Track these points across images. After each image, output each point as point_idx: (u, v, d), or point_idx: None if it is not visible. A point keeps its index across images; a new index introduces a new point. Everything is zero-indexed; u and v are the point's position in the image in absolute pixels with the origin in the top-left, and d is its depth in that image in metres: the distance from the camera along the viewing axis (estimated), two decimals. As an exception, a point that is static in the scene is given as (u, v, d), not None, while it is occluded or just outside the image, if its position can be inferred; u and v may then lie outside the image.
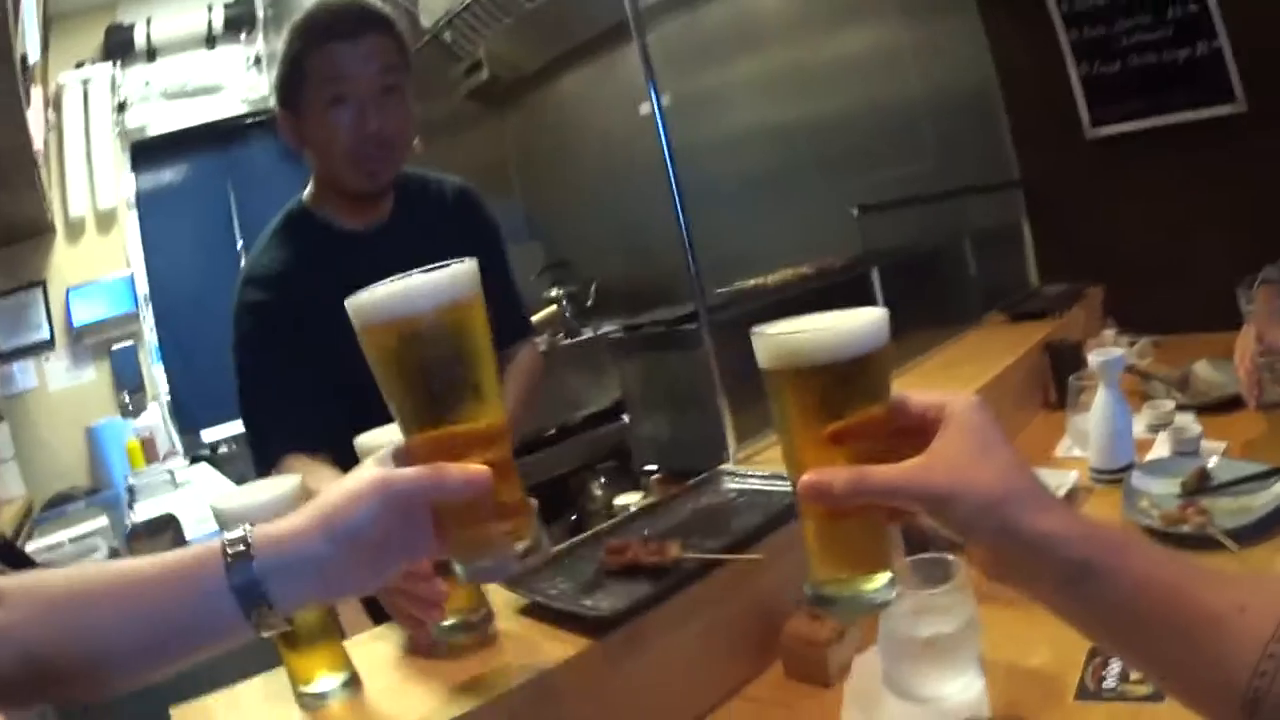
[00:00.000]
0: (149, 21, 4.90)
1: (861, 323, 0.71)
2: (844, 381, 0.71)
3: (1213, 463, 1.76)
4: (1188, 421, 2.02)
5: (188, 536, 3.35)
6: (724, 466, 1.88)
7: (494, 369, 0.78)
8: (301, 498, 1.04)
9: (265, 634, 0.73)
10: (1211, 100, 3.38)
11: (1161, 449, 1.98)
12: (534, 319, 2.69)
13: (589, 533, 1.59)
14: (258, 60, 4.95)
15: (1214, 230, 3.12)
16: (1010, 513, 0.66)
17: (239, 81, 5.00)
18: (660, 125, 2.33)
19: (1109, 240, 3.39)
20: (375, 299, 0.75)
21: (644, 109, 2.46)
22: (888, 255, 2.85)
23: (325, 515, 0.73)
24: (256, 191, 4.07)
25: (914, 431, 0.72)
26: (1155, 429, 2.11)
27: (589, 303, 3.79)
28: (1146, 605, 0.63)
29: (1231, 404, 2.16)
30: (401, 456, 0.78)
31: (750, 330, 0.74)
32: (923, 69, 3.37)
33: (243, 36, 4.95)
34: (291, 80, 1.67)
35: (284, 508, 0.91)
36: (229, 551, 0.71)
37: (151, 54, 4.92)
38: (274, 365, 1.68)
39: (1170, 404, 2.21)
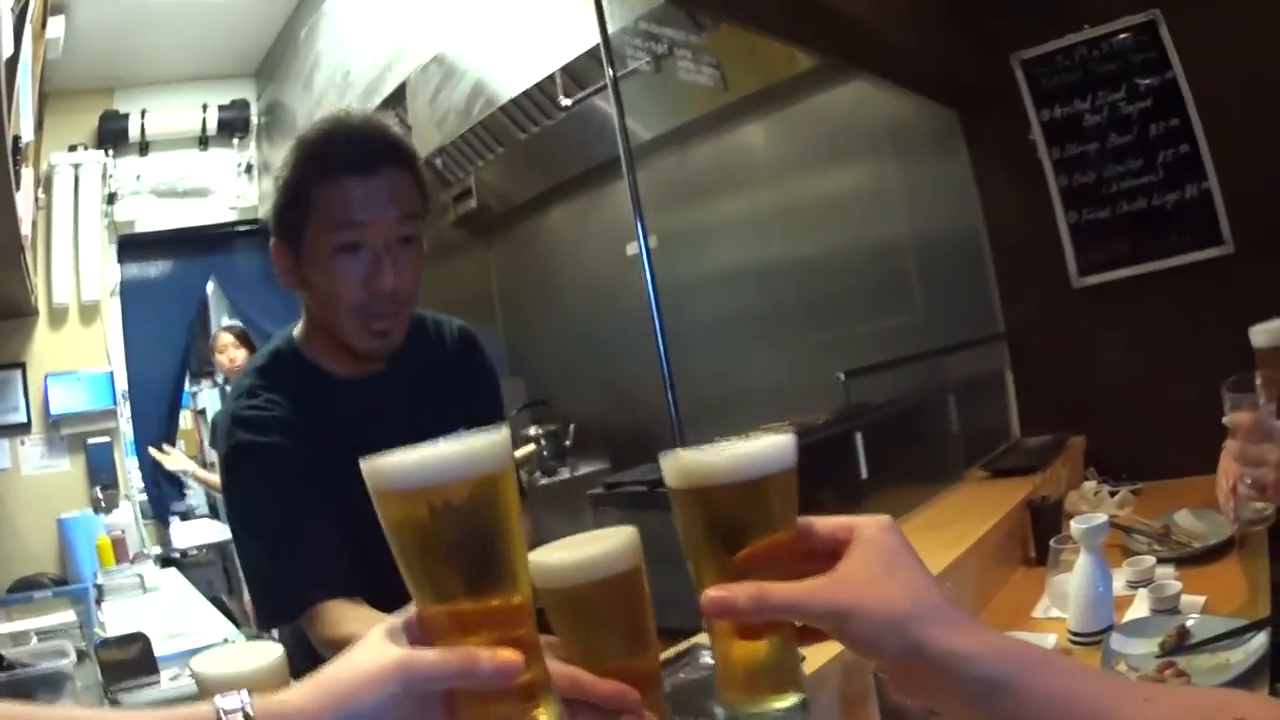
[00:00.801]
0: (144, 114, 4.91)
1: (765, 445, 0.71)
2: (748, 503, 0.70)
3: (1192, 620, 1.76)
4: (1168, 577, 2.03)
5: (156, 653, 3.24)
6: (700, 639, 1.83)
7: (522, 542, 0.71)
8: (285, 668, 0.97)
9: None
10: (1200, 243, 3.41)
11: (1141, 607, 1.98)
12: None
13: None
14: (249, 168, 4.96)
15: (1198, 374, 3.08)
16: (916, 629, 0.64)
17: (228, 187, 5.00)
18: (648, 271, 2.32)
19: (1092, 388, 3.39)
20: (404, 466, 0.68)
21: (631, 249, 2.45)
22: (871, 412, 2.83)
23: (334, 696, 0.65)
24: (241, 297, 4.13)
25: (824, 556, 0.70)
26: (1135, 585, 2.11)
27: (568, 442, 3.76)
28: None
29: (1212, 554, 2.20)
30: (415, 629, 0.70)
31: (659, 454, 0.73)
32: (911, 212, 3.39)
33: (235, 141, 4.96)
34: (293, 213, 1.43)
35: (270, 679, 0.84)
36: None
37: (144, 147, 4.94)
38: (286, 508, 1.47)
39: (1151, 560, 2.23)
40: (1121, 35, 3.48)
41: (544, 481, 3.49)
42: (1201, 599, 1.94)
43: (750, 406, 2.96)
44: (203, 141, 4.92)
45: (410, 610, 0.71)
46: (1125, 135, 3.49)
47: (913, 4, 3.20)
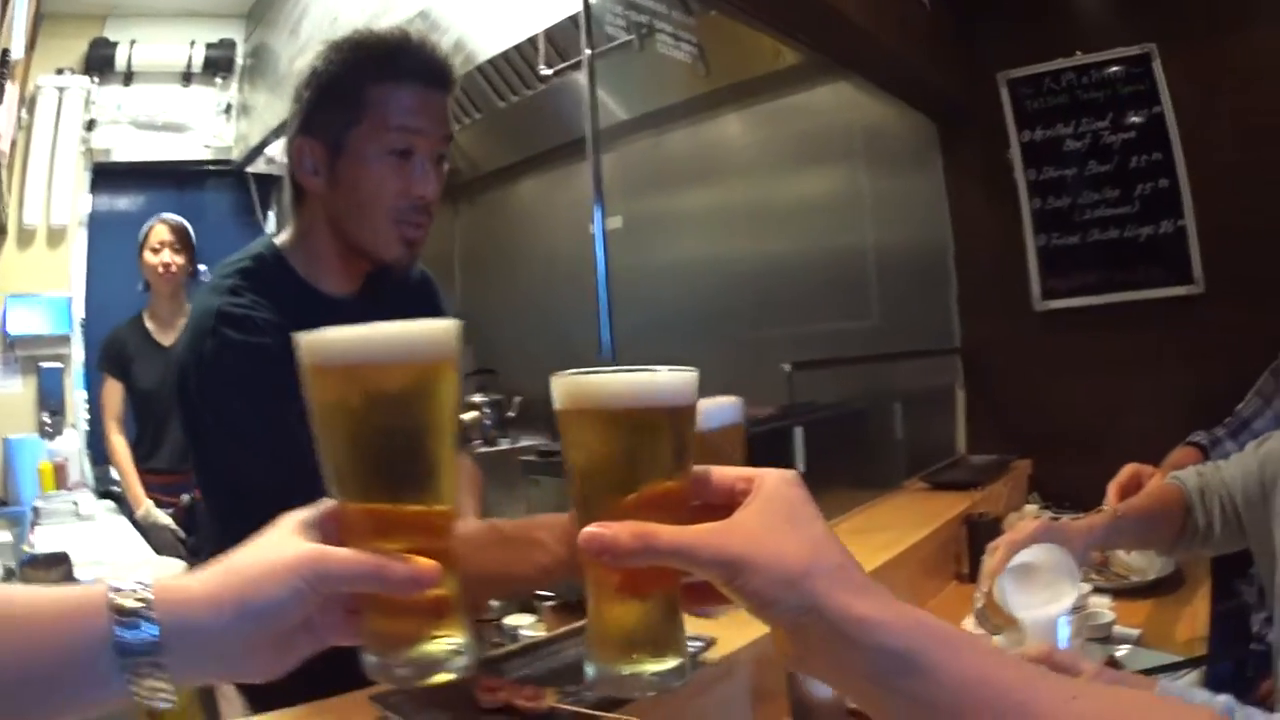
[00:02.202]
0: (133, 44, 4.85)
1: (665, 377, 0.65)
2: (642, 434, 0.64)
3: (1122, 651, 1.76)
4: (1102, 607, 2.00)
5: (80, 577, 3.22)
6: None
7: (455, 448, 0.68)
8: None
9: (143, 705, 0.61)
10: (1170, 280, 3.40)
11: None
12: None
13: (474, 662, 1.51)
14: (228, 108, 4.91)
15: (1152, 410, 3.12)
16: (815, 588, 0.58)
17: (206, 126, 4.94)
18: (601, 252, 2.31)
19: (1043, 413, 3.39)
20: (342, 340, 0.65)
21: (593, 228, 2.43)
22: (814, 411, 2.82)
23: (239, 587, 0.62)
24: (205, 241, 4.01)
25: (720, 509, 0.63)
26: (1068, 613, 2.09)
27: (511, 413, 3.73)
28: (975, 709, 0.55)
29: (1150, 589, 2.19)
30: (330, 525, 0.67)
31: (550, 377, 0.67)
32: (879, 222, 3.37)
33: (218, 81, 4.90)
34: (342, 110, 1.40)
35: None
36: (118, 604, 0.60)
37: (129, 78, 4.87)
38: (285, 417, 1.40)
39: (1087, 587, 2.20)
40: (1114, 66, 3.47)
41: (483, 450, 3.47)
42: (1136, 632, 1.93)
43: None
44: (186, 78, 4.86)
45: (327, 504, 0.68)
46: (1105, 164, 3.49)
47: (906, 10, 3.18)
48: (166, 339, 3.84)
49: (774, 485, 0.63)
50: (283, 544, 0.64)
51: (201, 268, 3.89)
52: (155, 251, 3.87)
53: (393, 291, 1.64)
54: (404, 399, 0.65)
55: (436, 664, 0.66)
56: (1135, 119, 3.44)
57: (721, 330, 3.28)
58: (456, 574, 0.67)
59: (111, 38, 4.90)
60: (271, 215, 5.06)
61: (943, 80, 3.41)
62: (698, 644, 1.52)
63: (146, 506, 3.77)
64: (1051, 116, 3.53)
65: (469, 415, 3.59)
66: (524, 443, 3.40)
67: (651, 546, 0.60)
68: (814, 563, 0.59)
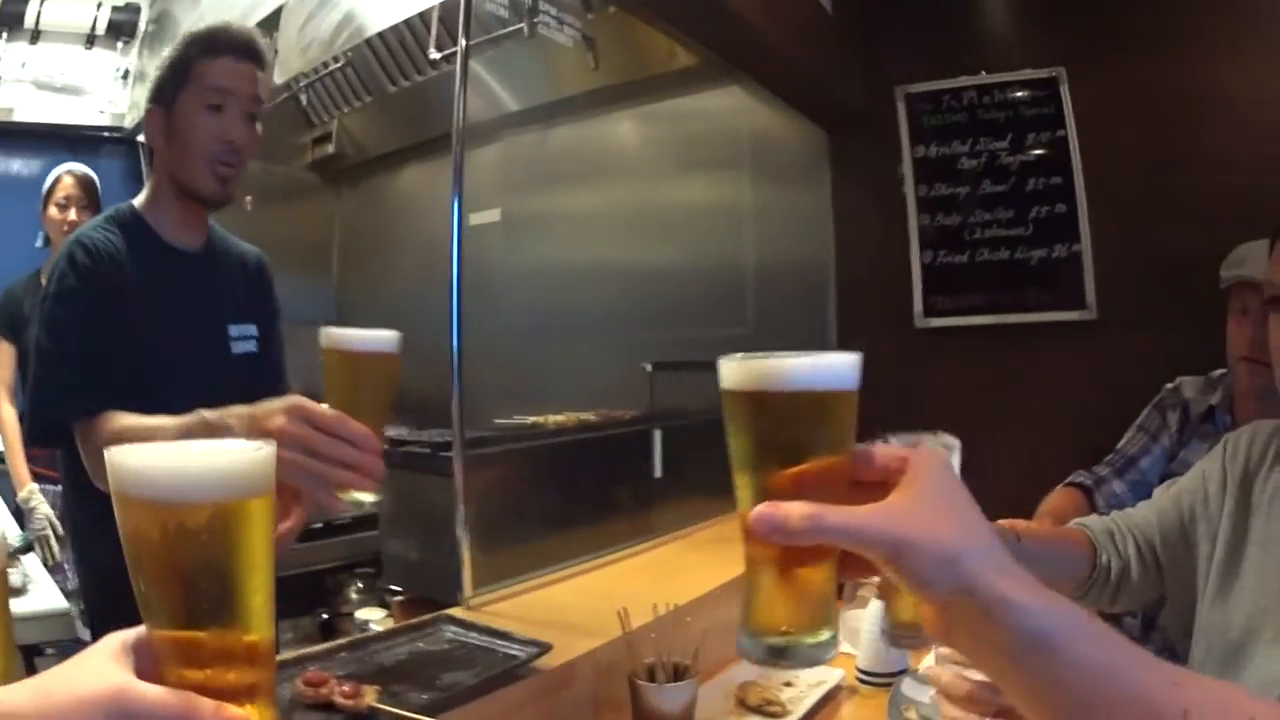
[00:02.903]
0: (42, 1, 4.73)
1: (837, 359, 0.68)
2: (812, 414, 0.67)
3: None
4: None
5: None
6: (452, 611, 1.80)
7: (270, 575, 0.65)
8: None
9: None
10: (1061, 304, 3.41)
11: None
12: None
13: (295, 654, 1.50)
14: (126, 74, 4.80)
15: (1035, 434, 3.12)
16: (969, 568, 0.63)
17: (103, 90, 4.83)
18: (456, 245, 2.28)
19: (920, 430, 3.37)
20: (142, 473, 0.61)
21: (475, 219, 2.38)
22: (674, 416, 2.79)
23: (43, 708, 0.61)
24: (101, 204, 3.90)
25: (873, 485, 0.68)
26: None
27: (380, 403, 3.66)
28: (1092, 690, 0.61)
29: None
30: (145, 652, 0.65)
31: (718, 359, 0.70)
32: (761, 230, 3.35)
33: (120, 45, 4.79)
34: (175, 79, 1.79)
35: None
36: None
37: (36, 35, 4.75)
38: (93, 325, 1.68)
39: None
40: (1020, 89, 3.47)
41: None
42: None
43: (561, 394, 2.90)
44: (89, 40, 4.75)
45: (140, 629, 0.66)
46: (1000, 185, 3.49)
47: (804, 13, 3.15)
48: None
49: (930, 467, 0.67)
50: (95, 670, 0.63)
51: None
52: (61, 208, 3.64)
53: (233, 263, 1.99)
54: (208, 536, 0.61)
55: None
56: (1037, 142, 3.44)
57: (593, 331, 3.24)
58: (272, 706, 0.66)
59: (25, -7, 4.77)
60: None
61: (839, 89, 3.38)
62: (531, 650, 1.50)
63: (30, 489, 3.47)
64: (948, 134, 3.52)
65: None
66: (389, 431, 3.33)
67: (820, 526, 0.63)
68: (968, 545, 0.64)
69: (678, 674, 1.49)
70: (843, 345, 3.50)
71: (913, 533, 0.63)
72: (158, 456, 0.62)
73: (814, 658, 0.69)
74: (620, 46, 3.07)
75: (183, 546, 0.60)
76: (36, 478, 3.51)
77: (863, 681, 1.83)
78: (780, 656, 0.69)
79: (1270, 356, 1.31)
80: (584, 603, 1.94)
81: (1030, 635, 0.62)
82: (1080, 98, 3.37)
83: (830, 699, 1.79)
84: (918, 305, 3.49)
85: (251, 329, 1.96)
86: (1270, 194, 2.42)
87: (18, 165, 4.63)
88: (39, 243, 3.73)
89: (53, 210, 3.65)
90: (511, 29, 2.77)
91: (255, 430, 1.19)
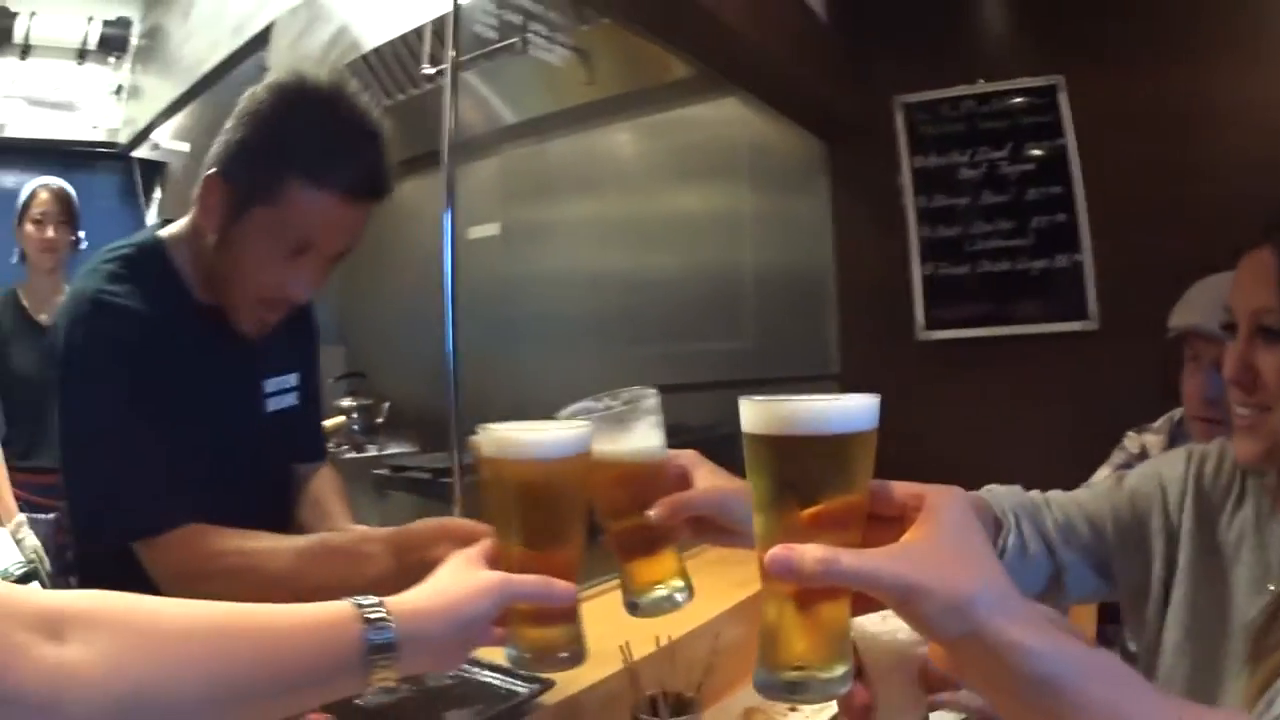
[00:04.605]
0: (32, 15, 4.71)
1: (856, 402, 0.69)
2: (830, 457, 0.68)
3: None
4: None
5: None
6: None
7: (584, 515, 0.92)
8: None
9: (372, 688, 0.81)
10: (1063, 315, 3.39)
11: None
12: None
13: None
14: (119, 89, 4.77)
15: (1034, 446, 3.08)
16: (980, 615, 0.63)
17: (96, 106, 4.80)
18: (448, 259, 2.26)
19: (920, 443, 3.30)
20: (520, 441, 0.88)
21: (473, 233, 2.36)
22: (674, 434, 2.75)
23: (453, 603, 0.84)
24: (88, 225, 3.83)
25: (889, 521, 0.69)
26: None
27: (379, 419, 3.64)
28: None
29: None
30: (491, 558, 0.91)
31: (738, 398, 0.71)
32: (760, 242, 3.32)
33: (112, 60, 4.76)
34: (260, 181, 1.32)
35: None
36: (369, 616, 0.79)
37: (26, 50, 4.72)
38: (150, 417, 1.34)
39: None
40: (1017, 97, 3.44)
41: (349, 455, 3.37)
42: None
43: (559, 409, 2.87)
44: (81, 55, 4.72)
45: (482, 546, 0.92)
46: (1001, 195, 3.46)
47: (798, 25, 3.13)
48: (44, 316, 3.48)
49: (946, 508, 0.67)
50: (473, 571, 0.88)
51: (81, 235, 3.60)
52: (37, 224, 3.46)
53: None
54: (564, 481, 0.89)
55: (563, 656, 0.92)
56: (1036, 151, 3.42)
57: (592, 344, 3.21)
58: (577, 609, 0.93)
59: (13, 7, 4.74)
60: (155, 201, 4.92)
61: (835, 99, 3.36)
62: (533, 686, 1.46)
63: (17, 521, 3.24)
64: (947, 143, 3.50)
65: (334, 421, 3.47)
66: (391, 449, 3.31)
67: (834, 570, 0.63)
68: (981, 591, 0.63)
69: (680, 706, 1.46)
70: (844, 358, 3.50)
71: (924, 578, 0.63)
72: (534, 431, 0.89)
73: (829, 692, 0.70)
74: (615, 59, 3.05)
75: (551, 486, 0.89)
76: (25, 507, 3.42)
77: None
78: (796, 691, 0.70)
79: (1224, 412, 1.24)
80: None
81: (1040, 679, 0.62)
82: (1079, 106, 3.35)
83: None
84: (919, 317, 3.46)
85: (291, 379, 1.62)
86: (1273, 201, 2.38)
87: (10, 181, 4.59)
88: (14, 259, 3.54)
89: (29, 227, 3.47)
90: (503, 44, 2.76)
91: (411, 559, 1.20)
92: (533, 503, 0.90)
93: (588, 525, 0.93)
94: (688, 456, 1.04)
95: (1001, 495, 1.35)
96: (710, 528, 0.98)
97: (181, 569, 1.30)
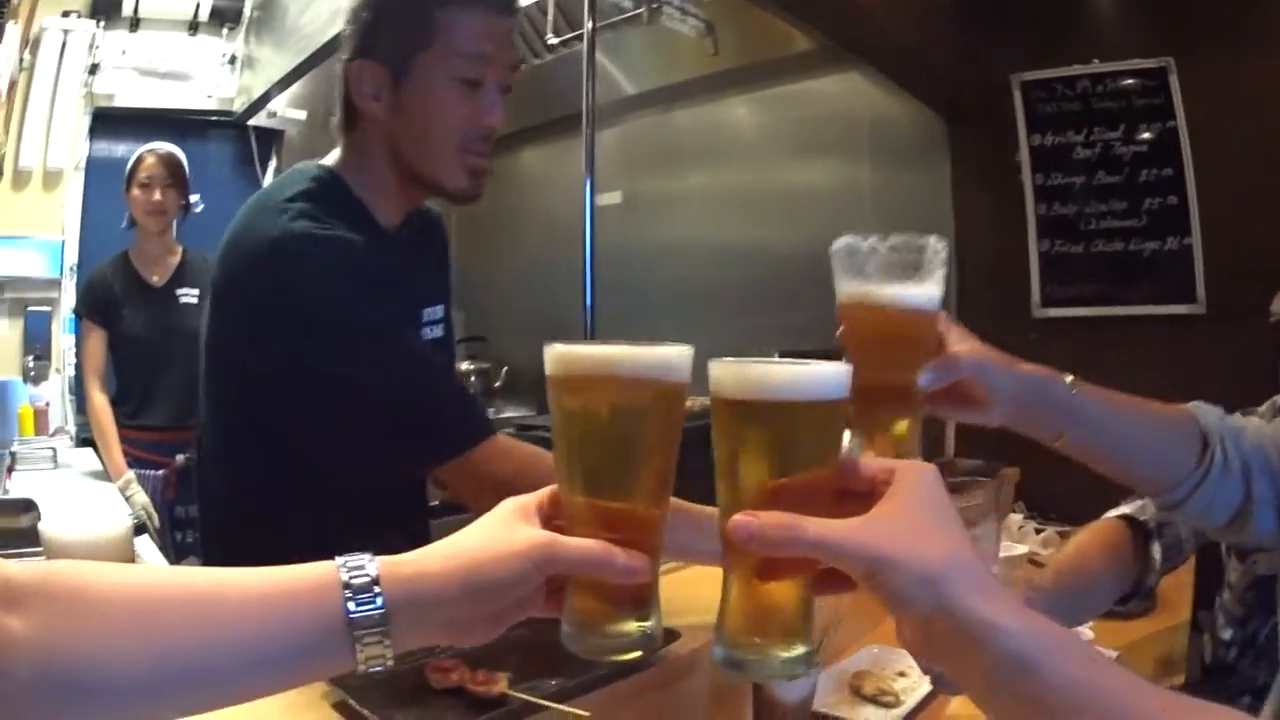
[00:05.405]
0: (140, -10, 4.81)
1: (825, 369, 0.66)
2: (798, 424, 0.66)
3: None
4: (1082, 627, 1.92)
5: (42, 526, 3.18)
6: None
7: (676, 458, 0.71)
8: (130, 538, 0.94)
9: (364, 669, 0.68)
10: (1171, 297, 3.36)
11: None
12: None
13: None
14: (232, 59, 4.85)
15: None
16: (951, 590, 0.60)
17: (209, 76, 4.89)
18: (588, 227, 2.27)
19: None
20: (595, 357, 0.69)
21: (597, 201, 2.39)
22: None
23: (469, 567, 0.68)
24: (202, 192, 3.91)
25: (859, 497, 0.66)
26: None
27: (497, 384, 3.67)
28: (1078, 713, 0.59)
29: (1133, 610, 2.02)
30: (547, 512, 0.73)
31: (709, 361, 0.68)
32: (879, 216, 3.33)
33: (225, 31, 4.85)
34: (410, 36, 1.36)
35: (115, 548, 0.78)
36: (353, 581, 0.67)
37: (135, 23, 4.82)
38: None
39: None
40: (1129, 77, 3.42)
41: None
42: (1114, 653, 1.85)
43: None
44: (193, 27, 4.80)
45: (543, 492, 0.73)
46: (1114, 175, 3.44)
47: (923, 2, 3.13)
48: (156, 278, 3.59)
49: (916, 481, 0.65)
50: (511, 528, 0.70)
51: (194, 198, 3.64)
52: (144, 187, 3.51)
53: (424, 235, 1.63)
54: (643, 414, 0.69)
55: (630, 643, 0.72)
56: (1147, 133, 3.39)
57: (711, 313, 3.23)
58: (657, 568, 0.72)
59: (120, -17, 4.84)
60: (270, 169, 5.00)
61: (956, 77, 3.36)
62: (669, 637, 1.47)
63: (127, 478, 3.39)
64: (1063, 122, 3.48)
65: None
66: (508, 413, 3.34)
67: (798, 538, 0.62)
68: (950, 564, 0.61)
69: None
70: (961, 333, 3.50)
71: (893, 550, 0.61)
72: (605, 347, 0.69)
73: (786, 671, 0.68)
74: (739, 31, 3.06)
75: (624, 421, 0.69)
76: (134, 463, 3.47)
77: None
78: (748, 668, 0.69)
79: None
80: (706, 592, 1.91)
81: (1013, 658, 0.60)
82: (1189, 89, 3.31)
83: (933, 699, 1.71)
84: (1035, 295, 3.45)
85: (439, 310, 1.63)
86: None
87: (121, 149, 4.69)
88: (124, 224, 3.66)
89: (136, 191, 3.54)
90: (631, 14, 2.78)
91: None
92: (621, 432, 0.70)
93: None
94: (940, 316, 0.93)
95: (1207, 412, 1.28)
96: (956, 398, 0.94)
97: (509, 470, 1.31)
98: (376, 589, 0.67)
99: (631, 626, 0.72)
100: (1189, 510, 1.21)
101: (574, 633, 0.72)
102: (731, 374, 0.66)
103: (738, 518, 0.63)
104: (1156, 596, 2.17)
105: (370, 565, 0.68)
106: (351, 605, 0.66)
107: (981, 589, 0.61)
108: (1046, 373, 1.11)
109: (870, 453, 0.92)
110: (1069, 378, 1.14)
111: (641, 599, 0.72)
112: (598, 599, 0.71)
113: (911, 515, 0.63)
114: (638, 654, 0.72)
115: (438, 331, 1.62)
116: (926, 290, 0.88)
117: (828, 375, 0.66)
